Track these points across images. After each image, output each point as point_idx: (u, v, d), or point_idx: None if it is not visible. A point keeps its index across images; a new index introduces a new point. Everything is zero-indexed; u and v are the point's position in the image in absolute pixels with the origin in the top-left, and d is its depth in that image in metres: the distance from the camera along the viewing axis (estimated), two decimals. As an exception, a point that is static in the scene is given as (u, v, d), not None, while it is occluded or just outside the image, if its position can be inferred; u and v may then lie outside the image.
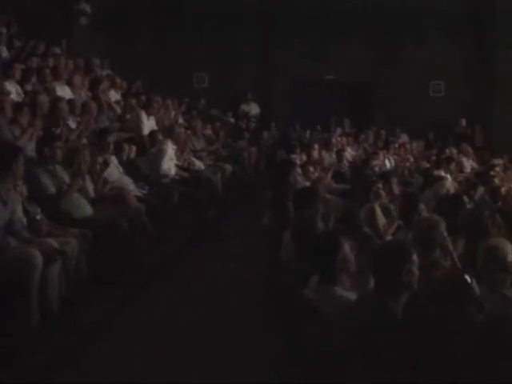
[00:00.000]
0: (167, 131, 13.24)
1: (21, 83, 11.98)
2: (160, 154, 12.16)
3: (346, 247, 5.09)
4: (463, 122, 21.23)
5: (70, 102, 11.73)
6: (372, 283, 4.71)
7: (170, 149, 12.41)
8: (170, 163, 12.30)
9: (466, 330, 3.88)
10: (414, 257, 4.44)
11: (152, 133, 13.11)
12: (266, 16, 21.97)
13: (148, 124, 13.83)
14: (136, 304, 7.94)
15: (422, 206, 8.38)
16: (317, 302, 4.88)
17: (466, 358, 3.67)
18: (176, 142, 12.89)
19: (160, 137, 12.91)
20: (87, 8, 19.64)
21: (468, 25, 21.42)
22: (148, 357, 6.23)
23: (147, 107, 14.31)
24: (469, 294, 4.40)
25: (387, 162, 16.11)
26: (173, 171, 12.36)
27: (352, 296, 4.83)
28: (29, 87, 12.10)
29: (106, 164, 9.84)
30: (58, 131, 9.88)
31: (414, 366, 3.93)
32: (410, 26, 21.28)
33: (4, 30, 14.95)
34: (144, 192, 10.71)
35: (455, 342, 3.85)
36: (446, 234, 6.49)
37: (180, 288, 8.68)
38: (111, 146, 10.55)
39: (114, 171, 10.32)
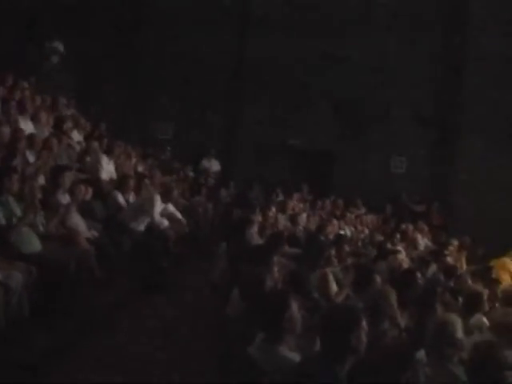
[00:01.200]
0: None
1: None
2: (151, 203, 11.99)
3: (294, 307, 5.00)
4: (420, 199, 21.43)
5: (31, 136, 11.62)
6: (318, 346, 4.63)
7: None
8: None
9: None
10: (364, 323, 4.37)
11: (124, 177, 13.02)
12: (238, 71, 22.10)
13: (107, 168, 13.72)
14: (73, 350, 7.68)
15: (378, 278, 8.32)
16: (260, 360, 4.78)
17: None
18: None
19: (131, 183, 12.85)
20: (60, 47, 19.65)
21: (434, 108, 21.71)
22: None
23: (108, 152, 14.23)
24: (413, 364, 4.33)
25: (342, 232, 16.09)
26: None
27: (296, 357, 4.73)
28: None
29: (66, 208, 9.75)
30: (15, 163, 9.72)
31: None
32: (377, 101, 21.54)
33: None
34: (95, 235, 10.53)
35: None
36: (395, 305, 6.45)
37: (123, 337, 8.47)
38: (66, 184, 10.37)
39: (75, 216, 10.18)
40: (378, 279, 8.24)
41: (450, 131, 21.51)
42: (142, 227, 11.90)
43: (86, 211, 10.96)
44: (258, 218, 13.60)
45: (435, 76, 21.51)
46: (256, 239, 10.64)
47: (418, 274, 9.08)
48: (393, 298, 6.52)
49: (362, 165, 21.28)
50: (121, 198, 12.56)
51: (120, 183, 12.87)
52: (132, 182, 12.99)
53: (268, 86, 21.36)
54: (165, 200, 12.38)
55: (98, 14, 21.18)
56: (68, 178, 10.66)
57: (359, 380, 4.19)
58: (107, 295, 9.78)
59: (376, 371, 4.13)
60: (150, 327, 8.99)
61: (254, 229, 11.01)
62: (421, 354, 4.73)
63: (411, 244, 15.57)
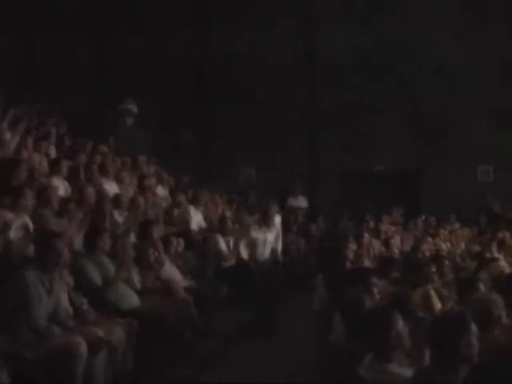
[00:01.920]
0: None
1: (68, 179, 12.05)
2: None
3: (399, 323, 4.86)
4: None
5: (116, 196, 11.80)
6: (428, 359, 4.48)
7: None
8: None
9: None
10: (473, 327, 4.21)
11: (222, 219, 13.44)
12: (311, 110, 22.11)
13: (195, 218, 13.83)
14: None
15: (481, 285, 8.08)
16: (372, 380, 4.65)
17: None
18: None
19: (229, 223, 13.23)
20: (133, 108, 19.96)
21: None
22: None
23: (195, 202, 14.34)
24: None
25: (438, 249, 15.79)
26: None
27: (408, 372, 4.58)
28: (76, 183, 12.17)
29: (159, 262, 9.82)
30: (105, 224, 9.85)
31: None
32: (456, 113, 21.24)
33: (53, 130, 15.20)
34: (193, 284, 10.57)
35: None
36: (504, 312, 6.23)
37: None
38: (157, 239, 10.45)
39: (169, 268, 10.24)
40: (482, 287, 8.00)
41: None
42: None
43: (179, 262, 11.03)
44: (353, 246, 13.47)
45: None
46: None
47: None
48: (500, 303, 6.30)
49: (449, 179, 20.92)
50: (221, 242, 12.65)
51: (220, 226, 13.03)
52: (230, 223, 13.12)
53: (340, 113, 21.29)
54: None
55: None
56: (157, 231, 10.76)
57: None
58: (209, 344, 9.71)
59: (492, 374, 3.94)
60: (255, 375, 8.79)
61: (349, 255, 10.88)
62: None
63: (510, 252, 15.14)
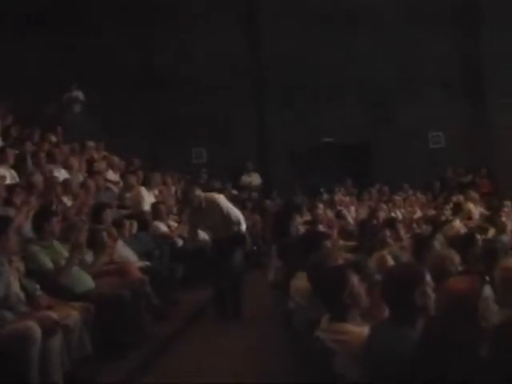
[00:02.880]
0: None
1: (15, 168, 11.88)
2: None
3: (355, 280, 4.81)
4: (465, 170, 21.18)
5: (65, 181, 11.64)
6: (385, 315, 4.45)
7: None
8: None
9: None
10: (428, 278, 4.17)
11: (155, 204, 12.97)
12: (258, 82, 22.01)
13: (148, 200, 13.70)
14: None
15: (437, 245, 8.08)
16: (329, 340, 4.59)
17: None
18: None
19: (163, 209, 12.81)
20: (80, 95, 19.76)
21: (463, 78, 21.47)
22: None
23: (146, 183, 14.22)
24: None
25: (393, 215, 15.85)
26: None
27: (365, 330, 4.53)
28: (24, 171, 11.99)
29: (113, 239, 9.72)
30: (54, 208, 9.69)
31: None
32: (405, 82, 21.31)
33: None
34: (148, 264, 10.45)
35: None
36: (460, 268, 6.24)
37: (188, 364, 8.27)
38: (108, 221, 10.32)
39: (123, 250, 10.13)
40: (437, 245, 8.01)
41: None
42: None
43: (133, 244, 10.92)
44: (307, 217, 13.47)
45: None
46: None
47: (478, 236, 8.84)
48: (456, 258, 6.32)
49: (401, 147, 21.01)
50: (162, 226, 12.56)
51: (154, 212, 12.86)
52: (164, 208, 12.97)
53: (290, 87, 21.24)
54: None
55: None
56: (110, 215, 10.64)
57: (434, 339, 3.95)
58: (165, 324, 9.63)
59: (448, 324, 3.87)
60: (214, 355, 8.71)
61: (297, 221, 10.82)
62: (487, 290, 4.47)
63: (465, 215, 15.24)
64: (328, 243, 7.19)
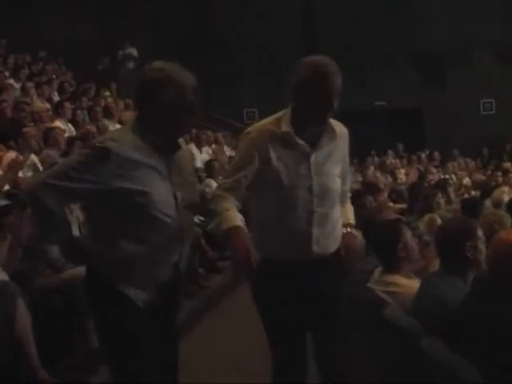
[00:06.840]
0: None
1: (72, 122, 12.11)
2: None
3: (408, 235, 4.93)
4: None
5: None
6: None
7: None
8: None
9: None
10: (480, 233, 4.27)
11: (209, 162, 13.04)
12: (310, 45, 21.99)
13: (200, 157, 13.86)
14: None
15: (485, 209, 8.14)
16: (381, 292, 4.74)
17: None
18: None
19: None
20: (134, 52, 19.93)
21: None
22: None
23: (197, 141, 14.38)
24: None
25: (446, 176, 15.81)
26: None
27: (417, 283, 4.66)
28: (80, 125, 12.22)
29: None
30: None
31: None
32: (457, 47, 21.14)
33: (55, 77, 15.23)
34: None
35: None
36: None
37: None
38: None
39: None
40: (487, 210, 8.08)
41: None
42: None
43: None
44: (358, 178, 13.55)
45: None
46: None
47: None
48: (508, 220, 6.40)
49: (452, 113, 20.90)
50: (215, 184, 12.62)
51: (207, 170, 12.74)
52: (218, 166, 12.88)
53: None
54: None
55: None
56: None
57: (485, 290, 4.06)
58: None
59: (499, 275, 3.96)
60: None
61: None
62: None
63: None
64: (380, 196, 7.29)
